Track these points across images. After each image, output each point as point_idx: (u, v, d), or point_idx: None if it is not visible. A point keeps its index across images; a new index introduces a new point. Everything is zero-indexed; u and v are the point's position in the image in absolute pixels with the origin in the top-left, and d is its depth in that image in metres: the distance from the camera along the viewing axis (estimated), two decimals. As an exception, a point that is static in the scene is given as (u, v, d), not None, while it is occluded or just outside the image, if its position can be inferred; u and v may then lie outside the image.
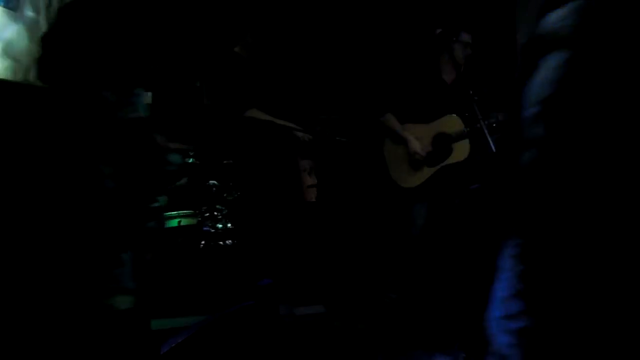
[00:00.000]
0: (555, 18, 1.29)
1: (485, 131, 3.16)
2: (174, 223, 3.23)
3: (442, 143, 3.64)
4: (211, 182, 3.41)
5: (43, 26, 3.96)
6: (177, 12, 4.51)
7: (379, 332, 3.38)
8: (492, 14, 4.70)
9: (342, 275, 4.14)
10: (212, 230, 3.28)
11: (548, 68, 1.28)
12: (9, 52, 3.64)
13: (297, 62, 3.96)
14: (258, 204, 3.59)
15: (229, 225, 3.31)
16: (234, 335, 2.30)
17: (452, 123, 3.63)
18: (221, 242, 3.28)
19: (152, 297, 3.07)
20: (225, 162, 3.59)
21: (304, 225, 3.77)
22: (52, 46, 1.93)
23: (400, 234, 3.79)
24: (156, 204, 2.35)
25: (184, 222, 3.26)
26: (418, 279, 3.84)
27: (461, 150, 3.62)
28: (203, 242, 3.27)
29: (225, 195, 3.44)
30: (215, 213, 3.32)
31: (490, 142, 3.16)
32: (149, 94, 4.32)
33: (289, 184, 3.71)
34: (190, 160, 3.39)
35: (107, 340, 2.19)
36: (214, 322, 2.25)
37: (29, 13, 3.84)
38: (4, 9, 3.57)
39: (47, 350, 2.01)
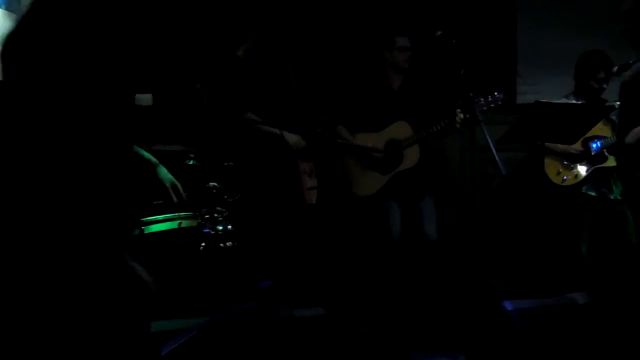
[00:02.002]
0: None
1: (487, 134, 3.17)
2: (174, 225, 3.23)
3: (394, 150, 3.71)
4: (211, 184, 3.41)
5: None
6: (177, 14, 4.52)
7: (380, 334, 3.38)
8: (492, 15, 4.72)
9: (342, 278, 4.14)
10: (213, 232, 3.27)
11: None
12: (9, 54, 3.64)
13: (297, 64, 3.95)
14: (258, 206, 3.60)
15: (230, 227, 3.31)
16: (235, 337, 2.30)
17: (402, 129, 3.70)
18: (222, 244, 3.27)
19: (152, 299, 3.07)
20: (225, 164, 3.59)
21: (304, 227, 3.78)
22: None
23: (380, 239, 3.87)
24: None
25: (184, 224, 3.25)
26: (414, 283, 3.86)
27: (412, 156, 3.67)
28: (203, 244, 3.27)
29: (225, 197, 3.43)
30: (216, 215, 3.31)
31: (491, 144, 3.16)
32: (149, 95, 4.34)
33: (289, 186, 3.71)
34: (191, 162, 3.39)
35: (107, 341, 2.18)
36: (215, 324, 2.25)
37: (30, 15, 3.85)
38: (6, 11, 3.57)
39: (45, 350, 2.01)
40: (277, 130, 3.53)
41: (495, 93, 3.41)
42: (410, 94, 3.84)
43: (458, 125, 3.53)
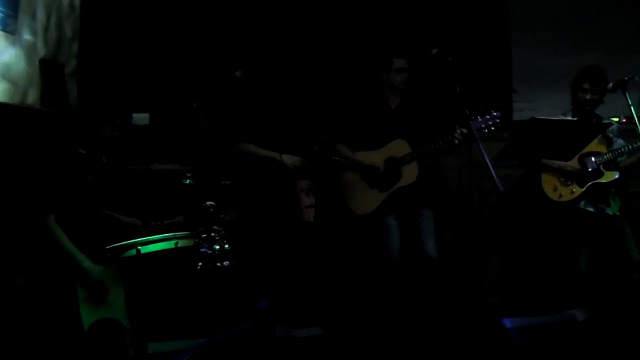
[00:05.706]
0: None
1: (483, 152, 3.17)
2: (170, 245, 3.21)
3: (392, 167, 3.73)
4: (208, 203, 3.40)
5: (40, 50, 3.98)
6: (176, 33, 4.54)
7: (378, 354, 3.35)
8: (487, 33, 4.75)
9: (340, 296, 4.11)
10: (210, 252, 3.25)
11: None
12: (6, 75, 3.65)
13: (298, 83, 3.97)
14: (255, 225, 3.58)
15: (227, 246, 3.29)
16: (232, 358, 2.28)
17: (400, 147, 3.72)
18: (219, 264, 3.25)
19: (149, 320, 3.05)
20: (222, 182, 3.58)
21: (301, 245, 3.76)
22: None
23: (379, 257, 3.86)
24: None
25: (180, 243, 3.24)
26: (414, 300, 3.84)
27: (410, 173, 3.68)
28: (200, 264, 3.25)
29: (222, 216, 3.42)
30: (213, 234, 3.30)
31: (488, 161, 3.16)
32: (147, 115, 4.35)
33: (286, 204, 3.70)
34: (187, 182, 3.38)
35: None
36: (212, 345, 2.23)
37: (27, 37, 3.86)
38: (2, 32, 3.59)
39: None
40: (274, 154, 3.57)
41: (493, 112, 3.41)
42: (408, 112, 3.86)
43: (457, 141, 3.53)
